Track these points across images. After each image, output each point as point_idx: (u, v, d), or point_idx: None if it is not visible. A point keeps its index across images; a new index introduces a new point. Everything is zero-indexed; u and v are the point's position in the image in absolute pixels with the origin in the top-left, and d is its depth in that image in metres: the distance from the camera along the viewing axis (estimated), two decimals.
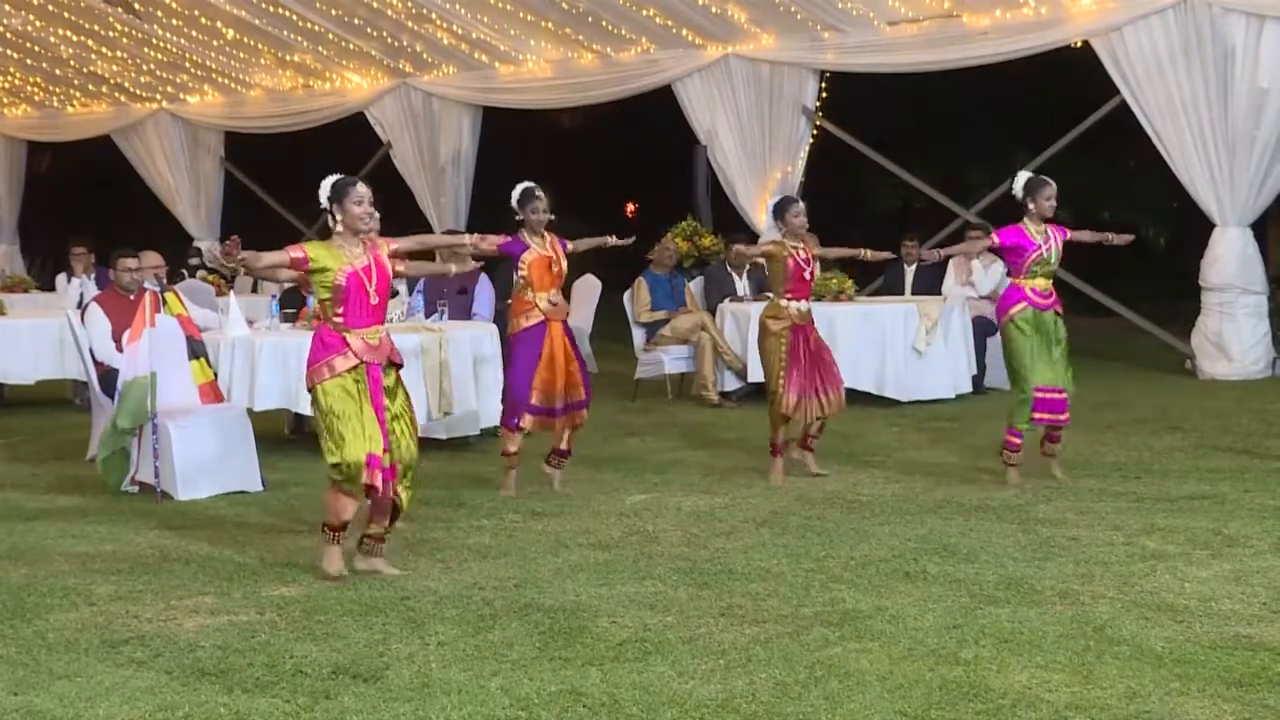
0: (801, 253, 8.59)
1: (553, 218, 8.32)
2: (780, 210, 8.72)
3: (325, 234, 6.69)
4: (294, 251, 6.35)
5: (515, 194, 8.31)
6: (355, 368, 6.31)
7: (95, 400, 9.42)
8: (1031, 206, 8.27)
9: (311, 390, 6.37)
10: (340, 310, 6.33)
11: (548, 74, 16.57)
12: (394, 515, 6.53)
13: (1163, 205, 19.37)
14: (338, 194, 6.38)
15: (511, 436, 8.31)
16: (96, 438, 9.01)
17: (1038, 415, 8.19)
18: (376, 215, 6.44)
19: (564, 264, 8.36)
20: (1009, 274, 8.45)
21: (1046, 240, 8.26)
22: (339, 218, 6.37)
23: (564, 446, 8.45)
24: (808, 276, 8.63)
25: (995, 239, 8.41)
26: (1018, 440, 8.26)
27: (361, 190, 6.39)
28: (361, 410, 6.27)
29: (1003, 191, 14.72)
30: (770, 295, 8.87)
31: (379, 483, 6.30)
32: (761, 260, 9.27)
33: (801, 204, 8.74)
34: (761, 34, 14.85)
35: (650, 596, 6.00)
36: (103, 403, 9.12)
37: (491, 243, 8.00)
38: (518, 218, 8.28)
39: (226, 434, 8.62)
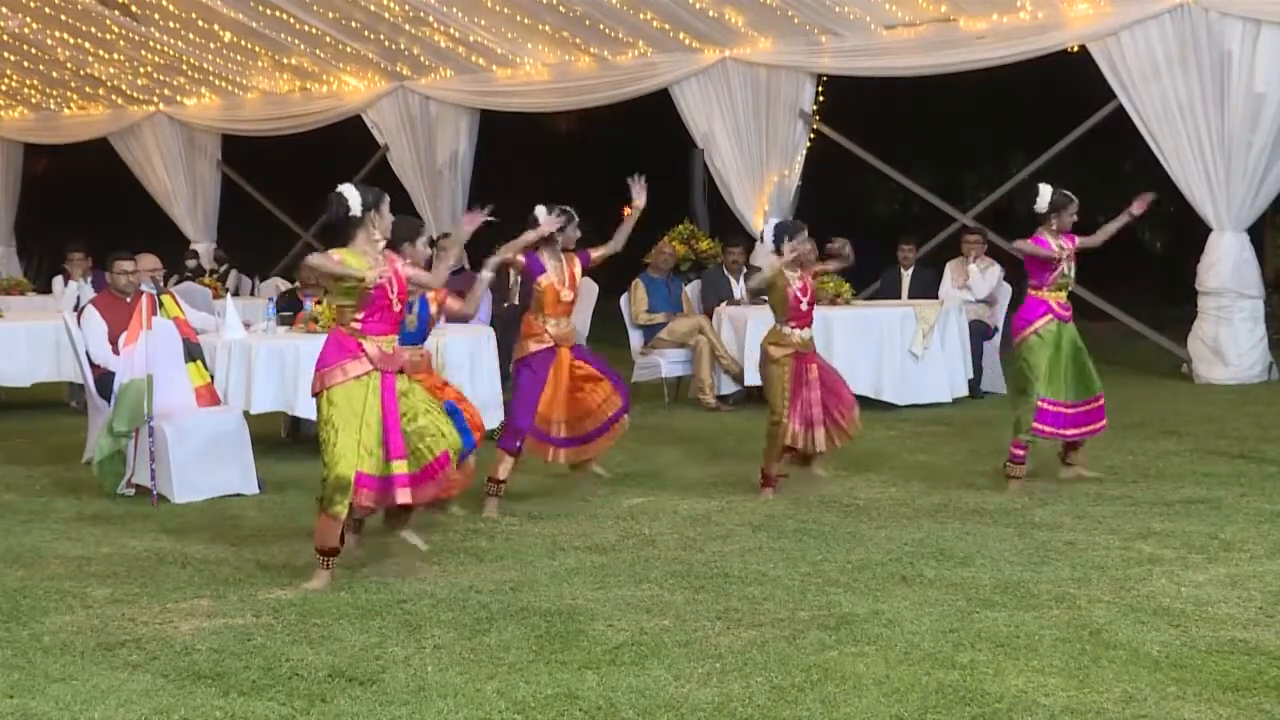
0: (798, 282, 8.27)
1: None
2: (784, 236, 8.28)
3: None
4: (336, 263, 6.27)
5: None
6: (367, 374, 6.27)
7: (91, 403, 9.42)
8: (1055, 223, 8.18)
9: (318, 395, 6.30)
10: (360, 315, 6.28)
11: (545, 77, 16.57)
12: (441, 501, 6.51)
13: (1159, 210, 19.32)
14: (377, 202, 6.34)
15: (505, 461, 8.03)
16: (93, 440, 9.01)
17: (1037, 425, 8.16)
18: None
19: (577, 288, 8.16)
20: (1032, 286, 8.26)
21: (1066, 252, 8.21)
22: (376, 225, 6.31)
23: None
24: (804, 308, 8.27)
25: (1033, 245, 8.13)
26: (1022, 453, 8.21)
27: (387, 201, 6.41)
28: (363, 424, 6.21)
29: (1002, 194, 14.87)
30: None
31: (366, 502, 6.25)
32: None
33: (805, 232, 8.33)
34: (758, 38, 14.85)
35: (647, 600, 6.00)
36: (99, 405, 9.12)
37: (515, 249, 7.90)
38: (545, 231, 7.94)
39: (223, 437, 8.62)
